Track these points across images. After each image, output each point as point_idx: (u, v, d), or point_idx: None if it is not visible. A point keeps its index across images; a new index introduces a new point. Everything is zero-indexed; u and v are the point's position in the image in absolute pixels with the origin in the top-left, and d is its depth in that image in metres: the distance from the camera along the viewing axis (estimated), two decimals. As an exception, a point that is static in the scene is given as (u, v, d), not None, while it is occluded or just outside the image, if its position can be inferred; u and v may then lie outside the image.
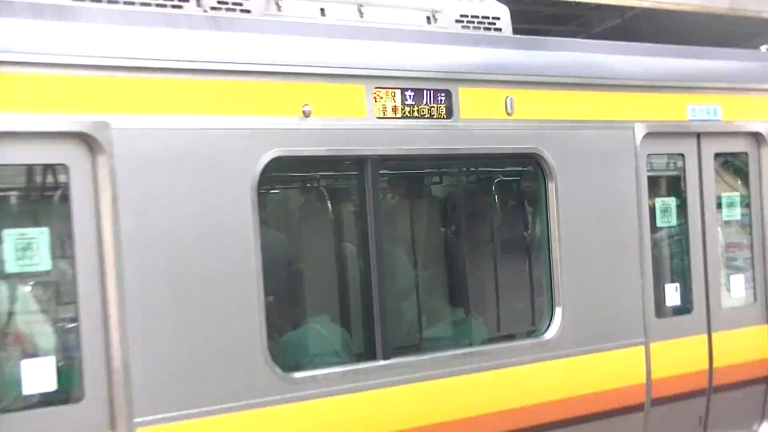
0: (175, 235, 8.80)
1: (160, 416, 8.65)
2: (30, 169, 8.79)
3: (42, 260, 8.40)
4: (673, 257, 12.44)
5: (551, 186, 11.14)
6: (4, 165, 8.51)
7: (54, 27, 8.64)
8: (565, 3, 18.66)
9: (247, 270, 9.13)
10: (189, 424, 8.82)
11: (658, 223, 12.19)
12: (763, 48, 15.84)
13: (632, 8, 19.44)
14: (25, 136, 8.30)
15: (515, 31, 11.92)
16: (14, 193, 8.90)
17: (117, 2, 9.36)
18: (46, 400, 8.35)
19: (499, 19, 11.62)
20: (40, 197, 8.93)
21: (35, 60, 8.38)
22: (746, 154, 13.08)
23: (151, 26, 9.14)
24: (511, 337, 11.49)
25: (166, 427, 8.68)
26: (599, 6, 19.11)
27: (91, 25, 8.81)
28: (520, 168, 11.49)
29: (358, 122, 9.92)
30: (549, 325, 11.21)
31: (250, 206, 9.17)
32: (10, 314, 8.41)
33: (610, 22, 18.94)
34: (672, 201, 12.34)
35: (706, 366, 12.28)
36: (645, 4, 19.64)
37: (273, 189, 9.98)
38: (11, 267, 8.29)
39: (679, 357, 12.02)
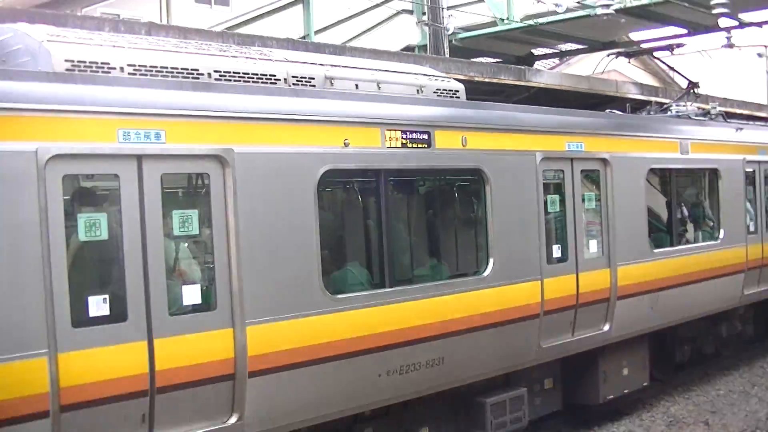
0: (269, 214, 8.97)
1: (259, 319, 8.77)
2: (189, 175, 8.88)
3: (193, 228, 8.51)
4: (557, 229, 12.57)
5: (488, 188, 11.33)
6: (177, 173, 8.63)
7: (204, 95, 8.70)
8: (497, 84, 18.73)
9: (310, 235, 9.33)
10: (276, 324, 8.95)
11: (549, 209, 12.31)
12: (607, 110, 16.05)
13: (534, 87, 19.51)
14: (188, 156, 8.45)
15: (468, 98, 11.92)
16: (180, 189, 8.98)
17: (239, 80, 9.37)
18: (195, 308, 8.49)
19: (458, 91, 11.87)
20: (193, 192, 8.99)
21: (196, 113, 8.50)
22: (598, 171, 13.16)
23: (258, 94, 9.23)
24: (464, 275, 11.45)
25: (263, 326, 8.80)
26: (516, 86, 19.19)
27: (226, 94, 8.88)
28: (470, 177, 11.43)
29: (376, 149, 10.06)
30: (486, 268, 11.29)
31: (313, 198, 9.35)
32: (176, 259, 8.49)
33: (523, 94, 18.96)
34: (556, 198, 12.47)
35: (574, 292, 12.45)
36: (541, 86, 19.77)
37: (326, 188, 10.01)
38: (176, 231, 8.41)
39: (560, 287, 12.23)
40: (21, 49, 8.55)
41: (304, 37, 21.28)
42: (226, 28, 21.14)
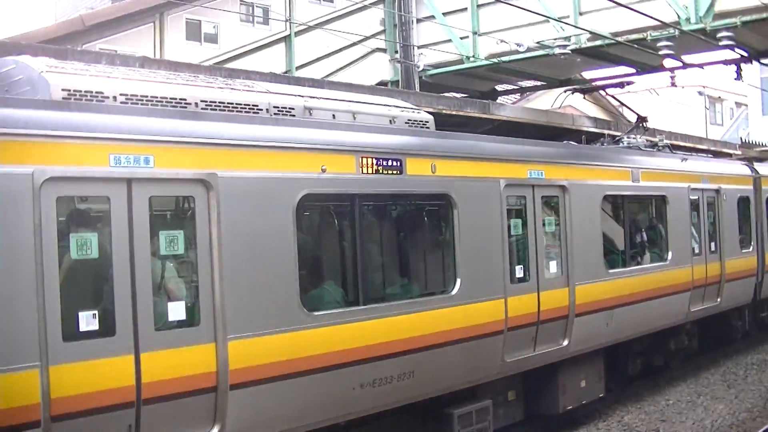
0: (251, 235, 8.85)
1: (241, 334, 8.60)
2: (175, 198, 8.70)
3: (179, 248, 8.36)
4: (519, 250, 12.44)
5: (455, 212, 11.23)
6: (164, 196, 8.46)
7: (190, 123, 8.59)
8: (463, 116, 18.70)
9: (289, 255, 9.18)
10: (256, 339, 8.78)
11: (512, 232, 12.19)
12: (564, 141, 16.07)
13: (498, 120, 19.50)
14: (174, 180, 8.33)
15: (437, 129, 11.82)
16: (167, 211, 8.77)
17: (224, 109, 9.23)
18: (179, 323, 8.32)
19: (428, 122, 11.76)
20: (179, 214, 8.80)
21: (182, 140, 8.38)
22: (557, 197, 13.16)
23: (241, 123, 9.09)
24: (433, 293, 11.26)
25: (244, 340, 8.63)
26: (481, 118, 19.16)
27: (211, 123, 8.73)
28: (439, 202, 11.30)
29: (351, 175, 9.93)
30: (454, 287, 11.16)
31: (292, 220, 9.21)
32: (162, 277, 8.30)
33: (487, 126, 18.91)
34: (519, 221, 12.35)
35: (536, 309, 12.32)
36: (504, 118, 19.79)
37: (304, 211, 9.79)
38: (163, 251, 8.26)
39: (522, 305, 12.10)
40: (22, 79, 8.45)
41: (286, 72, 21.19)
42: (215, 63, 21.03)
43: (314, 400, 9.31)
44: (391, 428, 10.97)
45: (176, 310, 8.26)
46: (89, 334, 7.58)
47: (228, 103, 9.37)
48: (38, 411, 7.16)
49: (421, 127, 11.62)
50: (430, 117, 11.92)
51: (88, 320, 7.58)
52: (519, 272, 12.31)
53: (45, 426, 7.20)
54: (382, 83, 24.69)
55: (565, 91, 19.12)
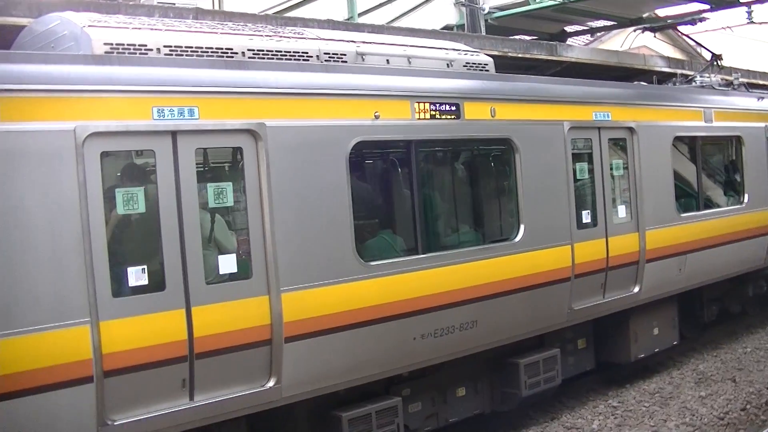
0: (302, 185, 8.75)
1: (294, 286, 8.52)
2: (223, 149, 8.61)
3: (228, 200, 8.29)
4: (586, 196, 12.19)
5: (517, 157, 10.98)
6: (212, 147, 8.43)
7: (236, 72, 8.51)
8: (529, 59, 18.28)
9: (343, 204, 9.06)
10: (311, 291, 8.69)
11: (578, 177, 11.88)
12: (635, 82, 15.54)
13: (566, 62, 19.01)
14: (221, 131, 8.24)
15: (502, 72, 11.57)
16: (214, 162, 8.69)
17: (272, 57, 9.07)
18: (231, 277, 8.27)
19: (487, 65, 11.45)
20: (228, 165, 8.71)
21: (228, 90, 8.29)
22: (625, 139, 12.81)
23: (290, 70, 8.92)
24: (495, 241, 11.08)
25: (298, 292, 8.55)
26: (548, 60, 18.69)
27: (258, 71, 8.66)
28: (500, 146, 11.15)
29: (406, 121, 9.76)
30: (517, 234, 10.95)
31: (345, 168, 9.07)
32: (211, 230, 8.24)
33: (555, 69, 18.47)
34: (585, 165, 12.06)
35: (604, 255, 12.06)
36: (572, 60, 19.25)
37: (358, 159, 9.70)
38: (211, 203, 8.21)
39: (590, 251, 11.86)
40: (66, 35, 8.42)
41: (348, 19, 20.93)
42: (275, 12, 20.85)
43: (372, 351, 9.24)
44: (455, 378, 10.89)
45: (227, 263, 8.22)
46: (139, 290, 7.58)
47: (276, 51, 9.25)
48: (90, 366, 7.22)
49: (480, 70, 11.35)
50: (490, 60, 11.62)
51: (137, 275, 7.58)
52: (586, 218, 12.03)
53: (98, 381, 7.26)
54: (447, 28, 24.23)
55: (634, 30, 18.56)
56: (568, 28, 28.61)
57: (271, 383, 8.39)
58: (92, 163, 7.34)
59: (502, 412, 11.62)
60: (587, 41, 34.36)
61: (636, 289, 12.77)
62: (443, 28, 23.51)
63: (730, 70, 19.69)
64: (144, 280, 7.60)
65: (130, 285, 7.53)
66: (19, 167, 7.00)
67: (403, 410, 9.85)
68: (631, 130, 12.81)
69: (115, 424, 7.39)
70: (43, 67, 7.39)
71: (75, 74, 7.46)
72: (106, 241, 7.38)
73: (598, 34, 32.09)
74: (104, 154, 7.48)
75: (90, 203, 7.28)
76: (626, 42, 19.38)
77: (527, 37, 25.97)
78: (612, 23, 27.66)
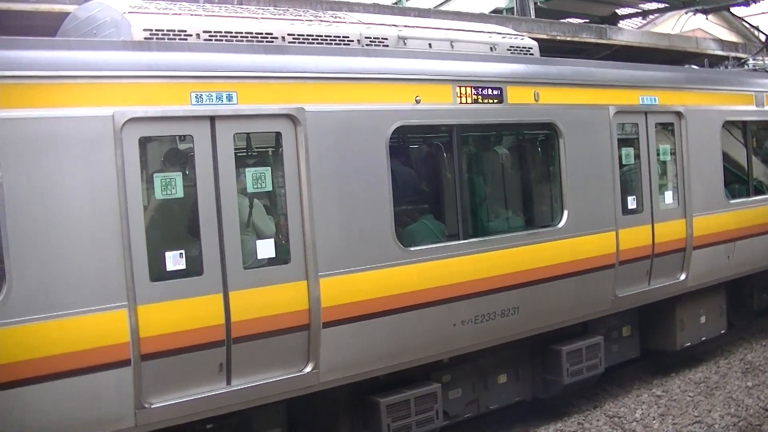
0: (341, 169, 8.75)
1: (332, 271, 8.54)
2: (261, 134, 8.62)
3: (266, 185, 8.30)
4: (632, 181, 12.03)
5: (561, 142, 10.90)
6: (250, 132, 8.51)
7: (275, 57, 8.50)
8: (578, 42, 18.07)
9: (383, 189, 9.06)
10: (350, 276, 8.70)
11: (624, 162, 11.71)
12: (686, 66, 15.27)
13: (616, 45, 18.76)
14: (259, 116, 8.24)
15: (550, 56, 11.44)
16: (253, 147, 8.73)
17: (313, 42, 9.06)
18: (269, 262, 8.31)
19: (531, 48, 11.32)
20: (266, 150, 8.73)
21: (267, 75, 8.30)
22: (673, 123, 12.57)
23: (330, 55, 8.92)
24: (537, 226, 10.99)
25: (336, 278, 8.56)
26: (597, 44, 18.47)
27: (297, 56, 8.64)
28: (543, 131, 11.06)
29: (447, 106, 9.68)
30: (561, 220, 10.87)
31: (385, 153, 9.05)
32: (249, 215, 8.28)
33: (605, 52, 18.25)
34: (631, 150, 11.90)
35: (650, 242, 11.86)
36: (622, 43, 18.99)
37: (398, 144, 9.65)
38: (249, 188, 8.24)
39: (635, 237, 11.70)
40: (107, 21, 8.53)
41: (396, 3, 20.85)
42: (321, -2, 20.82)
43: (411, 337, 9.23)
44: (497, 364, 10.84)
45: (265, 248, 8.27)
46: (177, 274, 7.65)
47: (317, 36, 9.23)
48: (128, 350, 7.31)
49: (525, 53, 11.23)
50: (534, 43, 11.50)
51: (175, 260, 7.65)
52: (631, 203, 11.90)
53: (135, 364, 7.35)
54: (496, 11, 24.05)
55: (687, 12, 18.27)
56: (620, 11, 28.19)
57: (308, 368, 8.41)
58: (131, 149, 7.42)
59: (544, 400, 11.58)
60: (639, 25, 33.90)
61: (683, 277, 12.59)
62: (492, 12, 23.35)
63: (787, 53, 19.34)
64: (182, 265, 7.67)
65: (167, 269, 7.61)
66: (59, 152, 7.10)
67: (443, 396, 9.83)
68: (679, 114, 12.61)
69: (152, 407, 7.49)
70: (83, 54, 7.49)
71: (114, 60, 7.53)
72: (144, 225, 7.47)
73: (651, 17, 31.62)
74: (143, 140, 7.57)
75: (128, 188, 7.36)
76: (678, 25, 19.12)
77: (577, 21, 25.70)
78: (664, 5, 27.18)
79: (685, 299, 13.10)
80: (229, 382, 7.94)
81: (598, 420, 11.43)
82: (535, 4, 23.80)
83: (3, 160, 6.83)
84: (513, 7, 23.65)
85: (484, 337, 10.02)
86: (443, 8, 22.21)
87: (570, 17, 26.16)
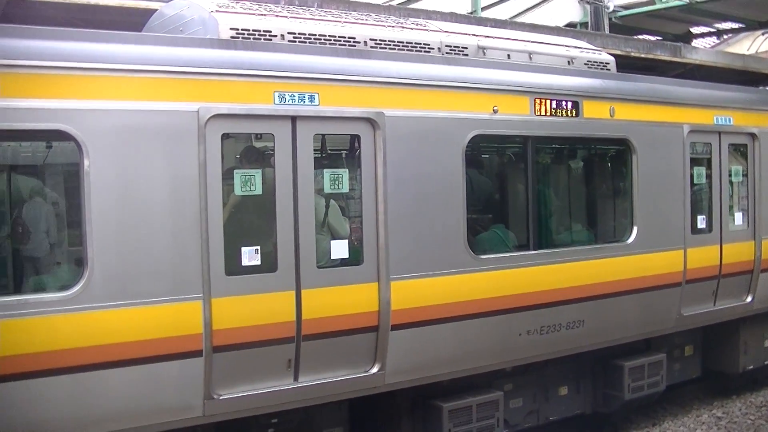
0: (417, 175, 8.73)
1: (404, 275, 8.53)
2: (342, 137, 8.61)
3: (343, 186, 8.32)
4: (702, 201, 11.87)
5: (634, 158, 10.79)
6: (334, 134, 8.49)
7: (357, 61, 8.54)
8: (652, 59, 17.85)
9: (457, 196, 9.02)
10: (420, 281, 8.67)
11: (695, 181, 11.55)
12: (760, 88, 15.01)
13: (689, 64, 18.52)
14: (340, 118, 8.24)
15: (620, 71, 11.28)
16: (332, 149, 8.71)
17: (394, 48, 9.06)
18: (342, 262, 8.34)
19: (608, 63, 11.20)
20: (344, 152, 8.75)
21: (349, 78, 8.32)
22: (746, 145, 12.41)
23: (411, 61, 8.90)
24: (607, 241, 10.87)
25: (407, 282, 8.55)
26: (671, 62, 18.24)
27: (379, 61, 8.65)
28: (617, 146, 10.94)
29: (524, 117, 9.62)
30: (630, 235, 10.75)
31: (461, 161, 9.02)
32: (325, 215, 8.29)
33: (678, 70, 18.02)
34: (702, 170, 11.73)
35: (717, 263, 11.68)
36: (696, 62, 18.73)
37: (474, 152, 9.64)
38: (327, 189, 8.26)
39: (703, 257, 11.51)
40: (194, 19, 8.61)
41: (471, 13, 20.80)
42: (398, 4, 20.85)
43: (476, 344, 9.17)
44: (559, 376, 10.76)
45: (339, 249, 8.30)
46: (251, 269, 7.70)
47: (398, 42, 9.23)
48: (200, 341, 7.36)
49: (602, 69, 11.12)
50: (611, 58, 11.38)
51: (250, 255, 7.70)
52: (701, 223, 11.74)
53: (206, 355, 7.39)
54: (570, 25, 23.91)
55: (763, 33, 17.97)
56: (694, 30, 27.91)
57: (375, 369, 8.40)
58: (213, 144, 7.47)
59: (603, 414, 11.43)
60: (713, 44, 33.45)
61: (749, 299, 12.36)
62: (566, 26, 23.20)
63: None
64: (257, 261, 7.72)
65: (243, 264, 7.66)
66: (145, 144, 7.19)
67: (504, 405, 9.77)
68: (753, 135, 12.39)
69: (221, 398, 7.53)
70: (171, 50, 7.58)
71: (201, 57, 7.62)
72: (222, 220, 7.52)
73: (725, 36, 31.21)
74: (225, 136, 7.63)
75: (209, 183, 7.42)
76: (754, 45, 18.79)
77: (651, 37, 25.44)
78: (740, 25, 26.86)
79: (750, 322, 12.88)
80: (296, 379, 7.96)
81: (657, 438, 11.30)
82: (610, 19, 23.66)
83: (91, 150, 6.92)
84: (587, 22, 23.53)
85: (548, 348, 9.93)
86: (518, 19, 22.08)
87: (644, 34, 25.94)
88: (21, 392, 6.72)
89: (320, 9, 10.43)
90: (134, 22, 9.87)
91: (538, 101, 9.74)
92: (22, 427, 6.76)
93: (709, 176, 11.90)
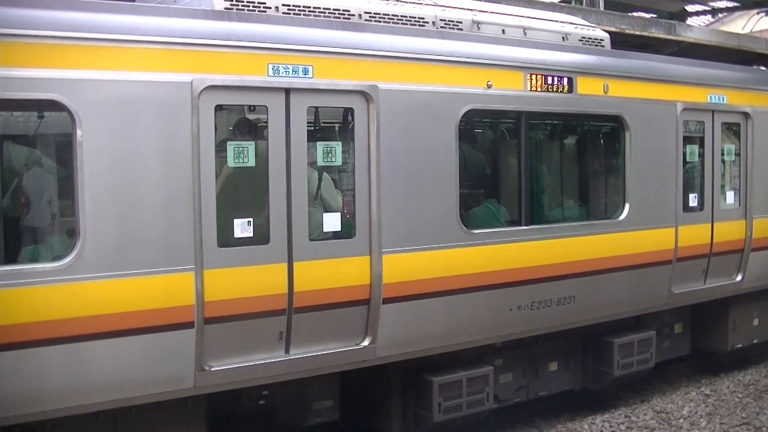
0: (410, 149, 8.72)
1: (396, 249, 8.54)
2: (336, 109, 8.57)
3: (336, 159, 8.30)
4: (694, 179, 11.89)
5: (627, 135, 10.80)
6: (324, 107, 8.40)
7: (352, 34, 8.50)
8: (646, 37, 17.80)
9: (450, 171, 9.04)
10: (412, 254, 8.71)
11: (687, 160, 11.58)
12: (753, 67, 15.00)
13: (684, 42, 18.47)
14: (333, 91, 8.21)
15: (614, 48, 11.30)
16: (326, 122, 8.69)
17: (389, 21, 9.03)
18: (335, 235, 8.33)
19: (603, 40, 11.20)
20: (339, 125, 8.73)
21: (343, 51, 8.27)
22: (739, 124, 12.46)
23: (405, 35, 8.89)
24: (599, 218, 10.95)
25: (399, 255, 8.56)
26: (665, 40, 18.18)
27: (373, 34, 8.62)
28: (610, 123, 10.98)
29: (517, 92, 9.60)
30: (622, 212, 10.78)
31: (454, 135, 9.02)
32: (318, 188, 8.29)
33: (672, 48, 17.96)
34: (695, 148, 11.77)
35: (708, 241, 11.73)
36: (690, 40, 18.68)
37: (467, 127, 9.65)
38: (320, 162, 8.24)
39: (694, 235, 11.55)
40: None
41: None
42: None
43: (467, 319, 9.20)
44: (549, 352, 10.80)
45: (331, 222, 8.30)
46: (243, 241, 7.70)
47: (393, 15, 9.19)
48: (192, 312, 7.36)
49: (596, 45, 11.09)
50: (606, 35, 11.36)
51: (242, 227, 7.70)
52: (692, 201, 11.77)
53: (198, 327, 7.40)
54: (565, 1, 23.83)
55: (758, 13, 17.95)
56: (689, 8, 27.89)
57: (366, 342, 8.43)
58: (207, 116, 7.45)
59: (593, 390, 11.50)
60: (708, 22, 33.42)
61: (739, 278, 12.42)
62: (561, 1, 23.11)
63: None
64: (249, 233, 7.72)
65: (235, 236, 7.66)
66: (138, 115, 7.16)
67: (495, 380, 9.82)
68: (746, 115, 12.41)
69: (212, 370, 7.55)
70: (164, 21, 7.52)
71: (194, 28, 7.56)
72: (215, 192, 7.50)
73: (720, 15, 31.21)
74: (218, 108, 7.60)
75: (202, 155, 7.39)
76: (748, 25, 18.76)
77: (646, 15, 25.40)
78: (735, 4, 26.83)
79: (740, 301, 12.93)
80: (287, 351, 7.98)
81: (645, 414, 11.33)
82: (605, -4, 23.54)
83: (84, 120, 6.90)
84: (582, -2, 23.43)
85: (539, 323, 9.98)
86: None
87: (639, 11, 25.89)
88: (15, 362, 6.72)
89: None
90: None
91: (532, 77, 9.71)
92: (15, 396, 6.77)
93: (701, 155, 11.92)
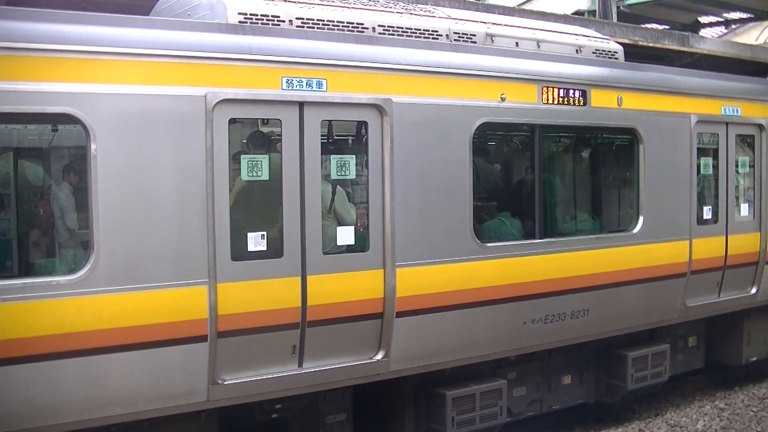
0: (424, 162, 8.72)
1: (409, 262, 8.52)
2: (349, 123, 8.59)
3: (350, 173, 8.31)
4: (708, 190, 11.85)
5: (641, 148, 10.77)
6: (337, 120, 8.41)
7: (366, 48, 8.51)
8: (660, 48, 17.79)
9: (464, 184, 9.02)
10: (425, 268, 8.67)
11: (701, 172, 11.53)
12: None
13: (697, 54, 18.46)
14: (347, 105, 8.21)
15: (627, 60, 11.26)
16: (339, 136, 8.71)
17: (402, 34, 9.03)
18: (348, 249, 8.33)
19: (616, 52, 11.17)
20: (352, 138, 8.75)
21: (357, 64, 8.28)
22: (753, 136, 12.41)
23: (419, 48, 8.90)
24: (613, 231, 10.90)
25: (413, 268, 8.55)
26: (678, 51, 18.17)
27: (387, 47, 8.64)
28: (624, 136, 10.96)
29: (531, 105, 9.59)
30: (636, 225, 10.74)
31: (468, 148, 9.01)
32: (332, 201, 8.26)
33: (686, 60, 17.96)
34: (709, 160, 11.73)
35: (723, 254, 11.71)
36: (704, 52, 18.65)
37: (481, 140, 9.64)
38: (333, 175, 8.25)
39: (708, 248, 11.52)
40: (202, 4, 8.58)
41: (479, 1, 20.75)
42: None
43: (481, 332, 9.17)
44: (562, 365, 10.75)
45: (345, 235, 8.28)
46: (257, 255, 7.69)
47: (407, 28, 9.19)
48: (205, 326, 7.36)
49: (610, 57, 11.07)
50: (620, 47, 11.34)
51: (256, 241, 7.68)
52: (707, 214, 11.73)
53: (211, 341, 7.39)
54: (578, 13, 23.84)
55: (772, 24, 17.90)
56: (702, 19, 27.83)
57: (379, 356, 8.40)
58: (220, 129, 7.45)
59: (606, 404, 11.44)
60: (721, 33, 33.36)
61: (753, 291, 12.35)
62: (574, 14, 23.13)
63: None
64: (263, 246, 7.71)
65: (249, 250, 7.65)
66: (152, 129, 7.16)
67: (508, 393, 9.77)
68: (760, 127, 12.36)
69: (225, 383, 7.53)
70: (179, 34, 7.53)
71: (209, 42, 7.56)
72: (229, 205, 7.50)
73: (733, 26, 31.13)
74: (232, 121, 7.61)
75: (216, 168, 7.39)
76: (762, 36, 18.71)
77: (659, 26, 25.37)
78: (748, 15, 26.77)
79: (754, 314, 12.86)
80: (300, 365, 7.96)
81: (659, 428, 11.25)
82: (618, 8, 23.56)
83: (98, 134, 6.90)
84: (595, 10, 23.45)
85: (552, 337, 9.93)
86: (526, 7, 22.02)
87: (652, 23, 25.85)
88: (29, 375, 6.72)
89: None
90: (142, 5, 9.83)
91: (545, 89, 9.71)
92: (29, 409, 6.76)
93: (715, 167, 11.88)
